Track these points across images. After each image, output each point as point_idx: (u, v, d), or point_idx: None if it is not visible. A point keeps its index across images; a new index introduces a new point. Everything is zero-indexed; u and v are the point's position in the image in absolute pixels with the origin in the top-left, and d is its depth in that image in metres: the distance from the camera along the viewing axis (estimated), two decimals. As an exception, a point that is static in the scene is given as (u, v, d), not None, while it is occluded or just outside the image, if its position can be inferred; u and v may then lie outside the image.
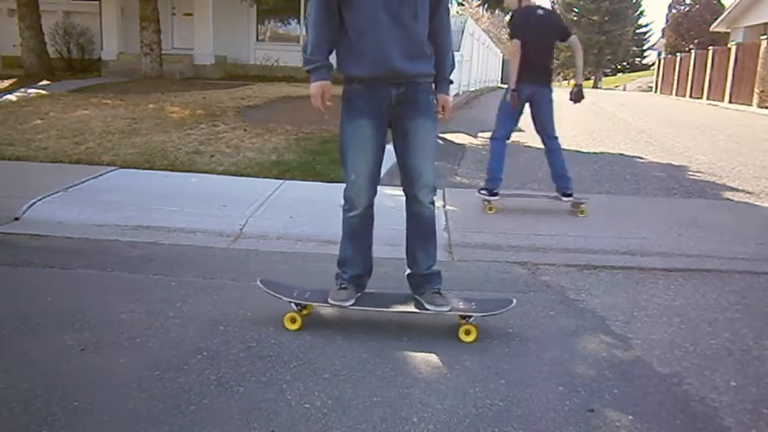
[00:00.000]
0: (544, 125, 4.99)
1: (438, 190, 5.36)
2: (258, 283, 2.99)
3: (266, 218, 4.64)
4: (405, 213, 2.93)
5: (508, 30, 4.73)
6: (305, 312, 2.92)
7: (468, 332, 2.80)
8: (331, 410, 2.22)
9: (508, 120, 5.01)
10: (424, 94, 2.80)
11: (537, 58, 4.79)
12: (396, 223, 4.42)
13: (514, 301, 2.93)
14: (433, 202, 2.86)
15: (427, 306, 2.84)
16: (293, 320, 2.85)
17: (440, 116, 2.91)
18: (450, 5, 2.88)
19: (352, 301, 2.87)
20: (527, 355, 2.73)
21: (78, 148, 6.63)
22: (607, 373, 2.57)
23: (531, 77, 4.79)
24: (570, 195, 4.98)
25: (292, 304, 2.87)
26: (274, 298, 2.91)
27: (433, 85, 2.87)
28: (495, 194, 4.96)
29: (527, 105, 4.98)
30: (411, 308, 2.92)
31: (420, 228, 2.89)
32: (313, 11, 2.73)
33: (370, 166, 2.78)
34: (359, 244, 2.92)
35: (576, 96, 5.05)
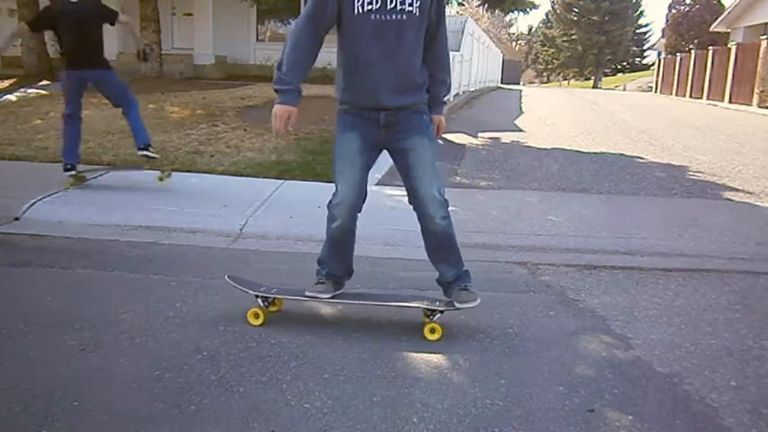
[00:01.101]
0: (113, 99, 5.22)
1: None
2: (226, 278, 3.03)
3: (266, 218, 4.65)
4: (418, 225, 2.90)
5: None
6: (273, 309, 2.97)
7: (433, 330, 2.81)
8: (331, 410, 2.22)
9: (70, 100, 5.16)
10: (416, 114, 2.79)
11: (80, 45, 4.97)
12: (395, 223, 4.43)
13: (479, 299, 2.88)
14: (445, 216, 2.81)
15: (456, 305, 2.84)
16: (257, 316, 2.89)
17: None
18: (446, 31, 2.87)
19: (328, 295, 2.91)
20: (527, 355, 2.73)
21: (78, 148, 6.62)
22: (607, 373, 2.57)
23: (79, 62, 4.97)
24: (146, 149, 5.14)
25: (259, 300, 2.90)
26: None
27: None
28: (70, 168, 5.15)
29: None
30: (385, 302, 3.01)
31: (437, 243, 2.87)
32: (298, 31, 2.65)
33: (356, 177, 2.78)
34: (338, 252, 2.95)
35: (140, 56, 5.58)
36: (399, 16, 2.59)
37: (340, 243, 2.92)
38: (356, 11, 2.58)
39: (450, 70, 2.95)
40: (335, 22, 2.65)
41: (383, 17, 2.58)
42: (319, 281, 2.95)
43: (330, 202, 2.85)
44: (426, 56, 2.77)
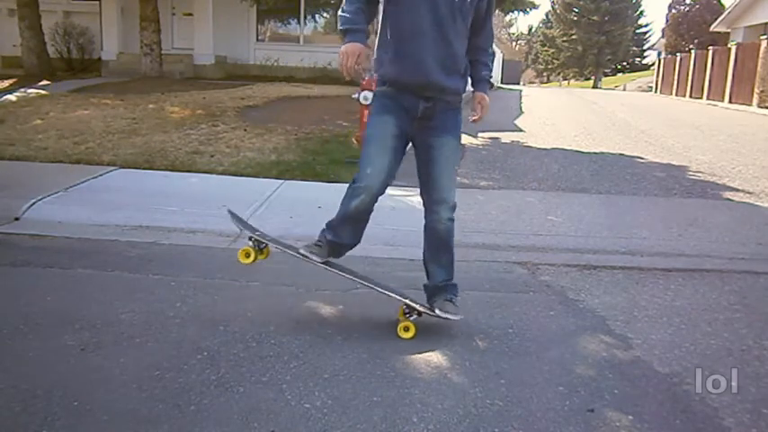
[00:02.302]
0: None
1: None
2: (227, 210, 3.05)
3: (266, 218, 4.64)
4: (422, 224, 2.90)
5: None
6: (261, 257, 2.99)
7: (406, 329, 2.81)
8: (331, 410, 2.22)
9: None
10: (452, 112, 2.82)
11: None
12: (395, 223, 4.43)
13: (461, 316, 2.87)
14: (451, 219, 2.83)
15: (438, 312, 2.82)
16: (248, 255, 2.92)
17: (475, 117, 2.93)
18: (492, 24, 2.93)
19: (321, 260, 2.89)
20: (527, 355, 2.73)
21: (78, 148, 6.63)
22: (607, 373, 2.57)
23: None
24: None
25: (250, 242, 2.93)
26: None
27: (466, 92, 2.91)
28: None
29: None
30: (371, 284, 2.96)
31: (435, 241, 2.88)
32: None
33: (386, 162, 2.75)
34: (351, 224, 2.91)
35: None
36: None
37: (355, 218, 2.88)
38: None
39: (493, 56, 2.99)
40: None
41: None
42: (318, 242, 2.92)
43: (354, 181, 2.82)
44: (473, 43, 2.82)
